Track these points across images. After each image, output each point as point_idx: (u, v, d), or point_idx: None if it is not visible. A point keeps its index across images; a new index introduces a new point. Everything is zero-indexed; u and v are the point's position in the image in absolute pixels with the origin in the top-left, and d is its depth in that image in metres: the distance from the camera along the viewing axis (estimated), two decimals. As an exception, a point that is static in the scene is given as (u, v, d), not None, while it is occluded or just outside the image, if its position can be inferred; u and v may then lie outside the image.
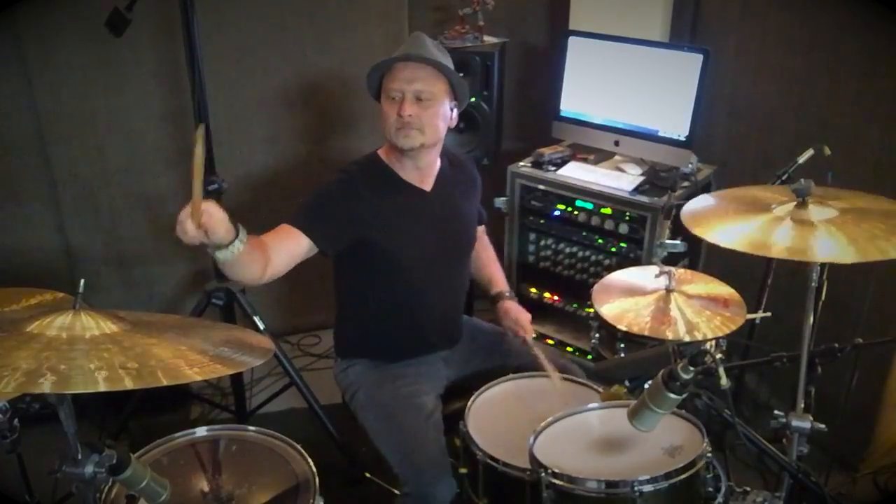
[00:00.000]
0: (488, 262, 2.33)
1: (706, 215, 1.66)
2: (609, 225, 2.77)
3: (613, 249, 2.81)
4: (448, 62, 1.96)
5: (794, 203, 1.58)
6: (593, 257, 2.89)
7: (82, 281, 1.30)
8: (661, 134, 2.75)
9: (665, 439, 1.64)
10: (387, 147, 2.02)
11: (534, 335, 2.15)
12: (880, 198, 1.66)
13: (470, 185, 2.19)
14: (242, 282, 1.81)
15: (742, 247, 1.50)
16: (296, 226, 1.86)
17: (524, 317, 2.17)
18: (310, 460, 1.64)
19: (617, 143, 2.88)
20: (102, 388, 1.06)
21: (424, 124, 1.91)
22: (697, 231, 1.59)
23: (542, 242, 3.02)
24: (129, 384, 1.08)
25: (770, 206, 1.61)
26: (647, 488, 1.51)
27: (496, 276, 2.30)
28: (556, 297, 3.06)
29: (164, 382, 1.11)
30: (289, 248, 1.83)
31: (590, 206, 2.80)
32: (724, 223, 1.60)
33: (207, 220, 1.46)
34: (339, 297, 2.17)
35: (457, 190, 2.12)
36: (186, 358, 1.20)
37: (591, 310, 1.88)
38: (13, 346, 1.13)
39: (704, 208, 1.71)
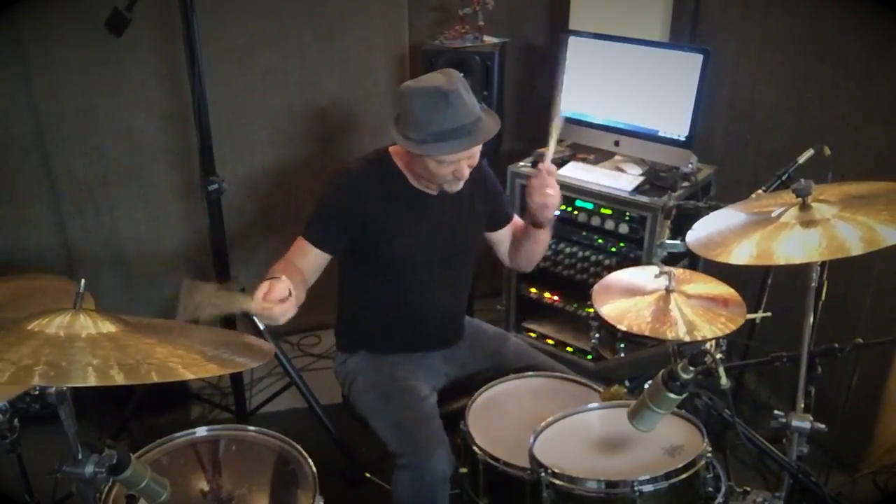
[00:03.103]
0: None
1: (715, 241, 1.64)
2: (609, 225, 2.77)
3: (613, 249, 2.81)
4: (470, 90, 1.89)
5: (797, 207, 1.57)
6: (593, 257, 2.88)
7: (82, 281, 1.30)
8: (661, 134, 2.75)
9: (665, 439, 1.64)
10: (402, 153, 1.99)
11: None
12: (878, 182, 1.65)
13: (477, 183, 2.11)
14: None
15: (759, 261, 1.48)
16: (308, 240, 1.95)
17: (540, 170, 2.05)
18: (310, 460, 1.64)
19: (617, 143, 2.88)
20: (93, 382, 1.07)
21: (472, 167, 1.96)
22: (712, 256, 1.57)
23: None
24: (119, 380, 1.08)
25: (771, 213, 1.59)
26: (647, 488, 1.51)
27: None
28: (556, 297, 3.06)
29: (156, 379, 1.11)
30: (311, 262, 1.96)
31: (590, 206, 2.80)
32: (734, 243, 1.57)
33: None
34: (342, 291, 2.17)
35: (464, 191, 2.10)
36: (182, 358, 1.20)
37: (591, 310, 1.87)
38: (11, 343, 1.13)
39: (710, 236, 1.67)
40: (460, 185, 1.96)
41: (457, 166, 1.89)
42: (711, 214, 1.78)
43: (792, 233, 1.51)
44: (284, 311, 1.65)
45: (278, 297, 1.64)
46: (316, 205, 2.00)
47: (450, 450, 1.87)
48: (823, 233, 1.47)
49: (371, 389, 2.06)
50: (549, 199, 2.01)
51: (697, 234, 1.70)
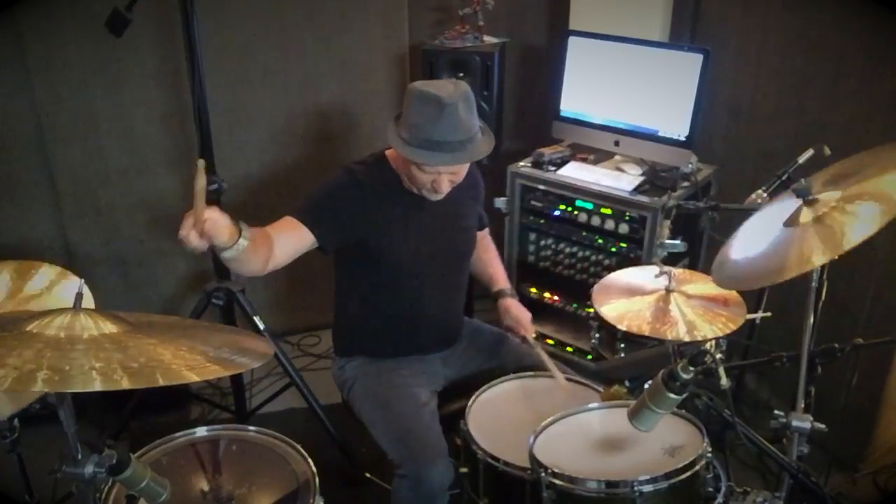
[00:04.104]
0: (490, 262, 2.33)
1: (745, 273, 1.59)
2: (609, 225, 2.77)
3: (613, 249, 2.81)
4: (473, 109, 1.87)
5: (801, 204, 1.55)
6: (593, 257, 2.89)
7: (81, 281, 1.31)
8: (661, 134, 2.75)
9: (665, 439, 1.64)
10: (397, 154, 1.99)
11: (534, 335, 2.15)
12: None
13: (472, 189, 2.17)
14: (244, 275, 1.84)
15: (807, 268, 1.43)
16: (299, 219, 1.89)
17: (525, 316, 2.17)
18: (310, 460, 1.64)
19: (617, 143, 2.88)
20: (99, 387, 1.06)
21: (455, 184, 1.96)
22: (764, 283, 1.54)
23: (542, 242, 3.02)
24: (125, 384, 1.08)
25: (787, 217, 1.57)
26: (647, 488, 1.51)
27: (497, 275, 2.31)
28: (556, 297, 3.06)
29: (162, 382, 1.11)
30: (292, 241, 1.87)
31: (590, 206, 2.80)
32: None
33: (210, 227, 1.49)
34: (339, 295, 2.17)
35: (459, 195, 2.10)
36: (185, 359, 1.19)
37: (591, 310, 1.88)
38: (13, 346, 1.13)
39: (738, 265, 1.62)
40: (438, 197, 1.96)
41: (436, 178, 1.90)
42: (733, 242, 1.71)
43: (814, 232, 1.47)
44: (216, 226, 1.51)
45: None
46: (314, 193, 1.96)
47: (448, 458, 1.88)
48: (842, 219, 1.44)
49: (369, 396, 2.05)
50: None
51: (729, 273, 1.63)
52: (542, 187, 2.89)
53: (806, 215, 1.52)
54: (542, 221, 2.97)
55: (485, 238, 2.34)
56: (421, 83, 1.88)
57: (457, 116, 1.81)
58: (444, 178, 1.90)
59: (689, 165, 2.70)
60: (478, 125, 1.90)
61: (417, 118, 1.83)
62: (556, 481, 1.56)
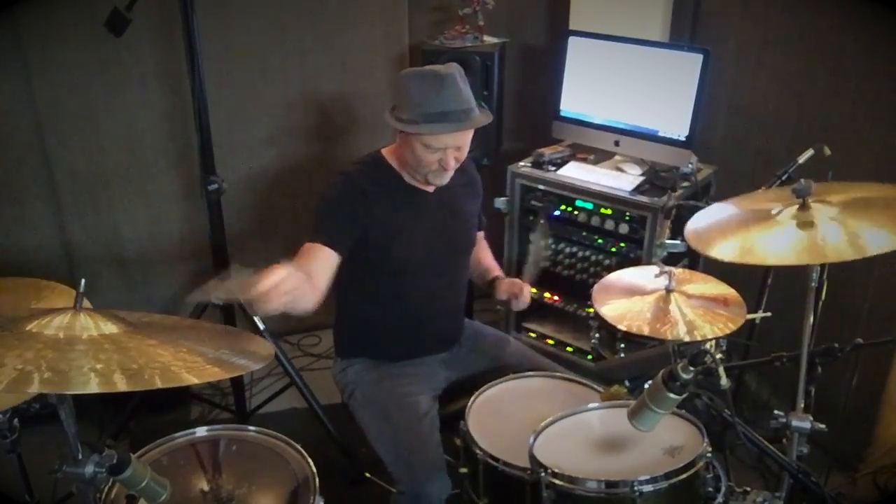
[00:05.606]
0: (483, 255, 2.34)
1: (710, 233, 1.64)
2: (609, 225, 2.77)
3: (613, 249, 2.81)
4: (467, 83, 1.91)
5: (796, 206, 1.56)
6: (593, 257, 2.89)
7: (83, 281, 1.30)
8: (661, 134, 2.75)
9: (665, 439, 1.64)
10: (394, 151, 2.01)
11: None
12: (882, 185, 1.64)
13: (471, 187, 2.19)
14: (299, 314, 1.82)
15: (748, 259, 1.48)
16: (320, 242, 1.89)
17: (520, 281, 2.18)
18: (310, 460, 1.64)
19: (617, 143, 2.88)
20: (96, 389, 1.06)
21: (459, 162, 1.97)
22: (703, 249, 1.57)
23: (542, 242, 3.01)
24: (122, 386, 1.08)
25: (771, 212, 1.59)
26: (647, 488, 1.51)
27: (493, 266, 2.32)
28: (556, 297, 3.06)
29: (160, 385, 1.11)
30: (324, 267, 1.88)
31: (590, 206, 2.80)
32: (727, 238, 1.57)
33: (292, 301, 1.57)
34: (339, 297, 2.17)
35: (458, 191, 2.12)
36: (185, 360, 1.19)
37: (591, 310, 1.88)
38: (12, 345, 1.13)
39: (707, 228, 1.68)
40: (446, 177, 1.97)
41: (443, 155, 1.90)
42: (714, 206, 1.78)
43: (784, 233, 1.51)
44: (282, 305, 1.57)
45: (284, 289, 1.57)
46: (319, 210, 1.98)
47: (446, 472, 1.89)
48: (815, 236, 1.47)
49: (370, 405, 2.05)
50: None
51: (696, 224, 1.70)
52: (542, 187, 2.89)
53: (791, 214, 1.54)
54: (542, 222, 2.97)
55: (480, 238, 2.34)
56: (410, 69, 1.92)
57: (456, 86, 1.85)
58: (450, 154, 1.91)
59: (689, 165, 2.70)
60: (473, 98, 1.92)
61: (416, 95, 1.85)
62: (556, 481, 1.56)
